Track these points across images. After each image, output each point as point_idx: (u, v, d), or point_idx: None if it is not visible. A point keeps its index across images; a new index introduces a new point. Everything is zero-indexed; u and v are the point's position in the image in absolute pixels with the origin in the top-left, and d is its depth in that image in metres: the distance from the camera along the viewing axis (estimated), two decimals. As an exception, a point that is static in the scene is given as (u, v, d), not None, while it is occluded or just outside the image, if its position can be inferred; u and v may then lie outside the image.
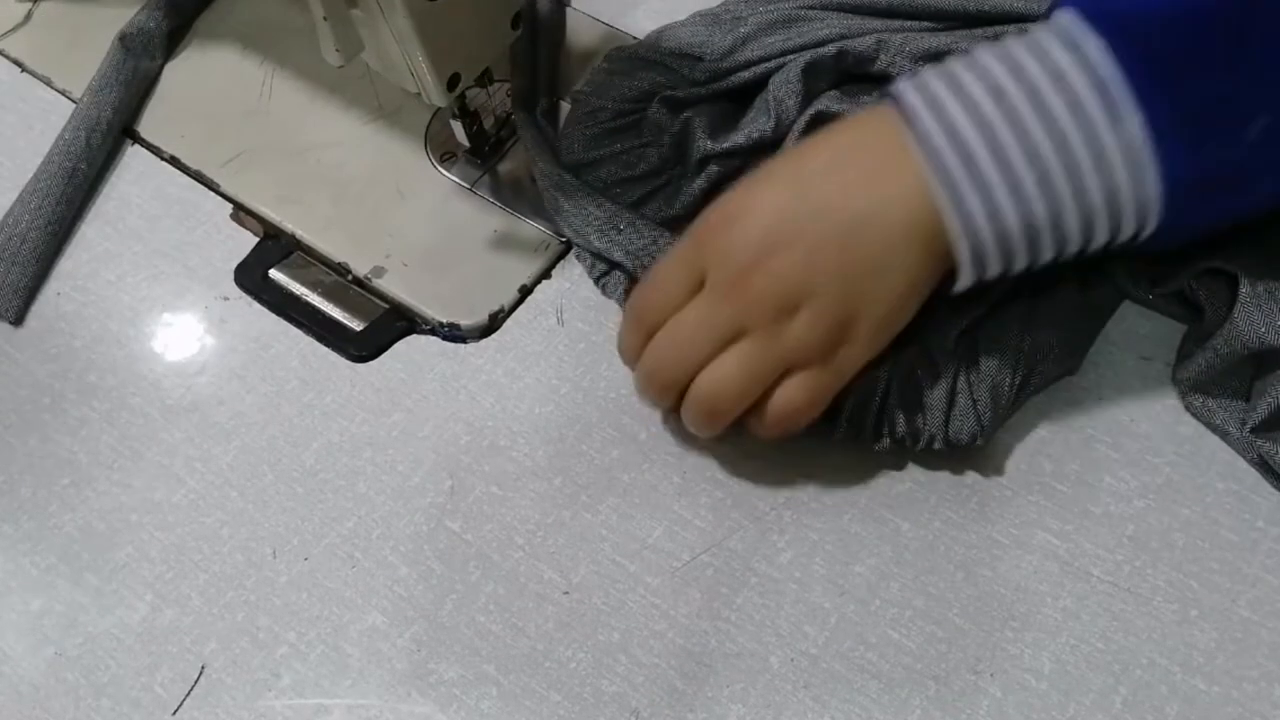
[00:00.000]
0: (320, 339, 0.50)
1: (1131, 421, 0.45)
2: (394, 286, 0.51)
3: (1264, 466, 0.43)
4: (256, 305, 0.51)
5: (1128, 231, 0.38)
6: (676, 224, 0.48)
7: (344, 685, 0.42)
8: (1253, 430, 0.43)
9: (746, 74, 0.51)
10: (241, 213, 0.54)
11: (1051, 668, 0.41)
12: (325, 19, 0.42)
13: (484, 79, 0.49)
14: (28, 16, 0.62)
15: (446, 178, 0.54)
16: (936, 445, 0.43)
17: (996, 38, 0.41)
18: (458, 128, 0.51)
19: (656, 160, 0.50)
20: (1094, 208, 0.36)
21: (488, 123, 0.53)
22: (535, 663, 0.42)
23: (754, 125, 0.49)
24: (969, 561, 0.43)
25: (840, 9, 0.52)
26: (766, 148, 0.49)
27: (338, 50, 0.43)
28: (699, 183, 0.49)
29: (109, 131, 0.56)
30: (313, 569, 0.45)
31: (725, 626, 0.42)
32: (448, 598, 0.44)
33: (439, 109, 0.48)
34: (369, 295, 0.51)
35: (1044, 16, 0.38)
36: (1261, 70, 0.35)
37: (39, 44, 0.61)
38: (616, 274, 0.49)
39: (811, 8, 0.52)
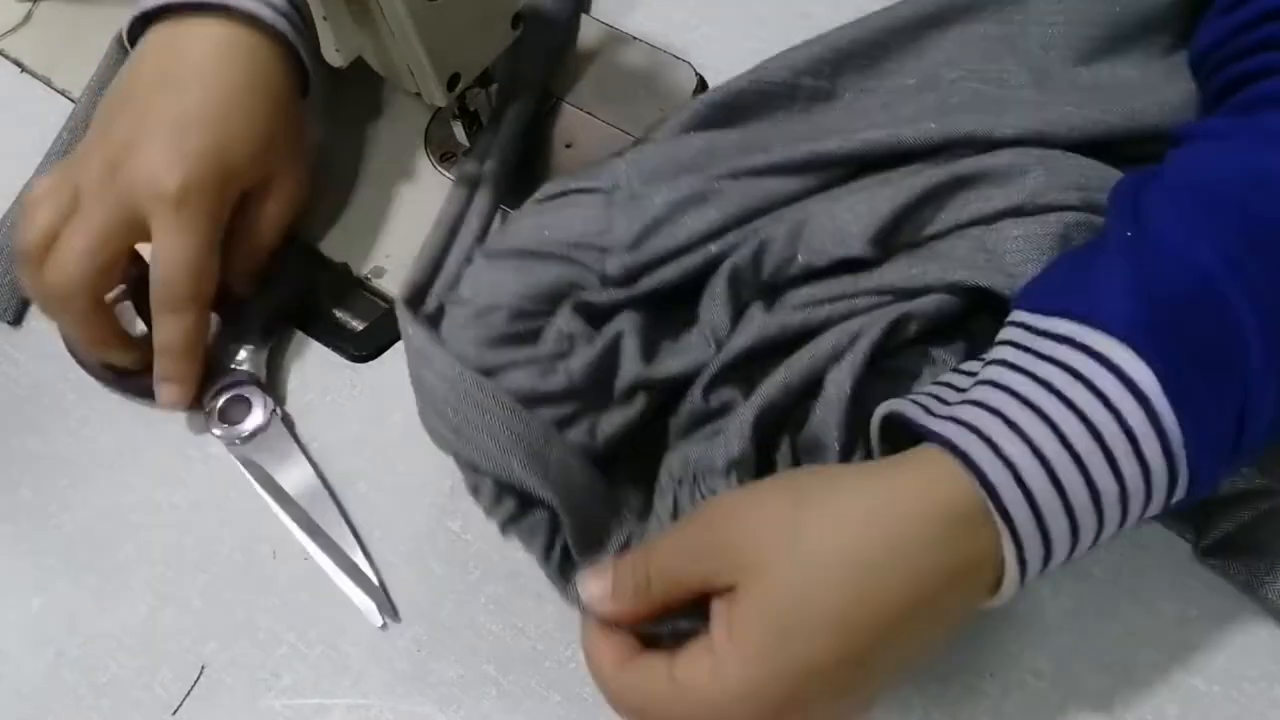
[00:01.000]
0: (320, 339, 0.50)
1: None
2: (394, 286, 0.51)
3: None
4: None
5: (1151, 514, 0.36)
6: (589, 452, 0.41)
7: (344, 685, 0.42)
8: (1204, 552, 0.42)
9: (668, 270, 0.43)
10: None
11: (1051, 668, 0.41)
12: (325, 19, 0.42)
13: (484, 79, 0.49)
14: (28, 16, 0.62)
15: (446, 178, 0.53)
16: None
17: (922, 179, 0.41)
18: (458, 128, 0.51)
19: (580, 379, 0.41)
20: (1132, 520, 0.35)
21: (487, 122, 0.53)
22: (535, 663, 0.42)
23: (691, 354, 0.42)
24: (969, 561, 0.43)
25: (750, 174, 0.45)
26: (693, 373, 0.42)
27: (337, 50, 0.43)
28: (631, 413, 0.41)
29: None
30: (313, 569, 0.45)
31: (725, 626, 0.42)
32: (448, 598, 0.44)
33: (439, 109, 0.48)
34: (369, 295, 0.51)
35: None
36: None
37: (39, 44, 0.61)
38: (538, 515, 0.40)
39: (721, 178, 0.45)
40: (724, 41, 0.53)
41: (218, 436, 0.47)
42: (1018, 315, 0.37)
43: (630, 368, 0.41)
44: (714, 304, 0.43)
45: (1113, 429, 0.33)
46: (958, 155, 0.45)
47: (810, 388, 0.41)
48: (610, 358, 0.41)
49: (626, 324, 0.42)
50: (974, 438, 0.33)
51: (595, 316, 0.43)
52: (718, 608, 0.34)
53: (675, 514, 0.40)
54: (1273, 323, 0.34)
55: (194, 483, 0.47)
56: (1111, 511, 0.33)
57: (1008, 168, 0.44)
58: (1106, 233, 0.38)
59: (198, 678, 0.43)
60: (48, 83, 0.60)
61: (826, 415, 0.39)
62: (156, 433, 0.48)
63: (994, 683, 0.41)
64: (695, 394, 0.42)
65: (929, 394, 0.37)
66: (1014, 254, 0.41)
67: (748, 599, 0.33)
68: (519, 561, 0.44)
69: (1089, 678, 0.40)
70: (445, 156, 0.54)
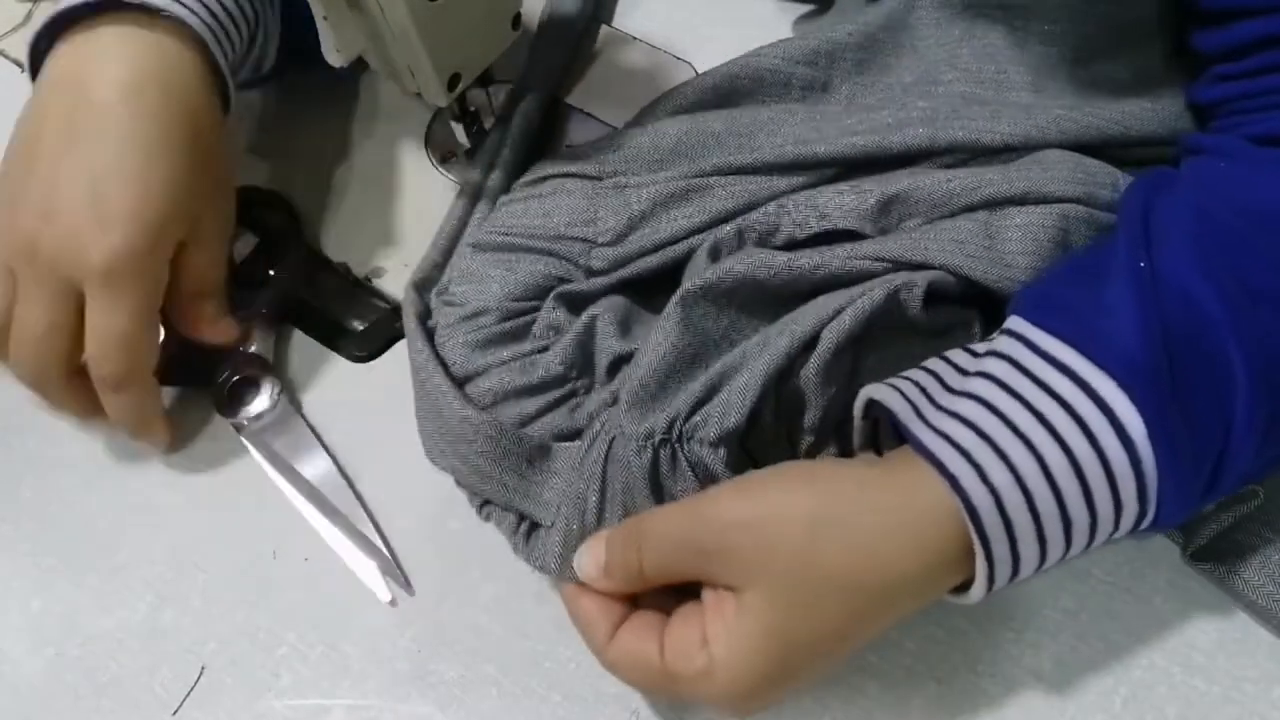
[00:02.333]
0: (320, 339, 0.50)
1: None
2: (394, 286, 0.51)
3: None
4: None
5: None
6: (576, 435, 0.41)
7: (344, 685, 0.42)
8: (1192, 556, 0.42)
9: (651, 260, 0.44)
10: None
11: (1051, 668, 0.41)
12: (325, 19, 0.42)
13: (484, 79, 0.49)
14: (28, 17, 0.62)
15: (447, 178, 0.53)
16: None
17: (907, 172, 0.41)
18: (458, 128, 0.51)
19: (560, 367, 0.42)
20: (1097, 544, 0.36)
21: (488, 123, 0.53)
22: (535, 663, 0.42)
23: None
24: (969, 561, 0.43)
25: (736, 171, 0.45)
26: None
27: (338, 50, 0.43)
28: (615, 385, 0.41)
29: None
30: (313, 569, 0.45)
31: (725, 626, 0.42)
32: (448, 598, 0.44)
33: (439, 109, 0.48)
34: (369, 295, 0.51)
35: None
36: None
37: (39, 44, 0.61)
38: (537, 529, 0.41)
39: (704, 174, 0.45)
40: (724, 41, 0.53)
41: (229, 419, 0.48)
42: (1019, 325, 0.36)
43: (610, 345, 0.42)
44: (696, 272, 0.43)
45: (1095, 467, 0.33)
46: (948, 163, 0.45)
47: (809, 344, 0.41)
48: (588, 339, 0.42)
49: (604, 306, 0.43)
50: (965, 464, 0.33)
51: (578, 305, 0.43)
52: (711, 598, 0.35)
53: (654, 472, 0.39)
54: (1261, 376, 0.34)
55: (194, 482, 0.47)
56: (1079, 538, 0.35)
57: (1009, 159, 0.44)
58: (1117, 250, 0.37)
59: (198, 678, 0.43)
60: (48, 83, 0.59)
61: (814, 374, 0.40)
62: (156, 433, 0.48)
63: (994, 683, 0.41)
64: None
65: (916, 384, 0.37)
66: (1013, 242, 0.41)
67: (751, 611, 0.34)
68: (519, 562, 0.44)
69: (1089, 678, 0.40)
70: (446, 157, 0.54)
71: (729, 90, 0.49)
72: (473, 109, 0.51)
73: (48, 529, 0.46)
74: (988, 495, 0.33)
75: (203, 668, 0.43)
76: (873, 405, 0.37)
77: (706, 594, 0.36)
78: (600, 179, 0.46)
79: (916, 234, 0.42)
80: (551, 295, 0.43)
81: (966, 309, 0.42)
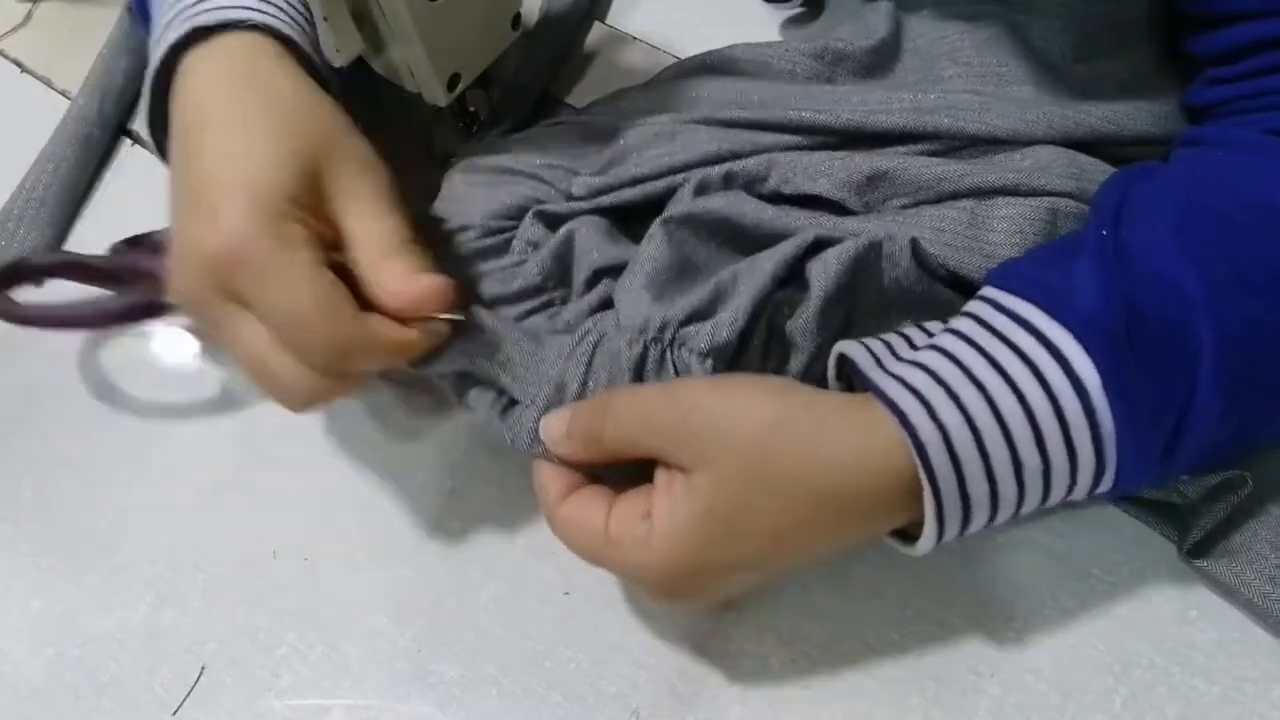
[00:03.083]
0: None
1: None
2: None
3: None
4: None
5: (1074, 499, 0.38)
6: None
7: (344, 685, 0.42)
8: (1188, 553, 0.42)
9: (631, 191, 0.45)
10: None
11: (1051, 668, 0.41)
12: (325, 19, 0.42)
13: (484, 79, 0.49)
14: (28, 17, 0.62)
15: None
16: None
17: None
18: (458, 128, 0.51)
19: (537, 276, 0.44)
20: (1056, 495, 0.37)
21: (488, 122, 0.53)
22: (535, 663, 0.42)
23: None
24: (969, 561, 0.43)
25: (723, 124, 0.46)
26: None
27: (338, 50, 0.43)
28: (593, 296, 0.43)
29: (122, 98, 0.57)
30: (313, 569, 0.45)
31: (725, 627, 0.42)
32: (448, 598, 0.44)
33: (439, 109, 0.48)
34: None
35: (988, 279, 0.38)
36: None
37: (39, 44, 0.61)
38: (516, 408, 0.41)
39: (694, 122, 0.47)
40: (722, 41, 0.53)
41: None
42: (989, 291, 0.38)
43: (589, 258, 0.43)
44: (680, 202, 0.44)
45: (1047, 412, 0.34)
46: (935, 150, 0.46)
47: (799, 277, 0.42)
48: (565, 252, 0.44)
49: (582, 223, 0.44)
50: (915, 402, 0.35)
51: (556, 224, 0.45)
52: (663, 478, 0.37)
53: (640, 367, 0.40)
54: (1228, 350, 0.35)
55: (194, 483, 0.47)
56: (1033, 484, 0.35)
57: (1003, 149, 0.45)
58: (1087, 234, 0.39)
59: (198, 678, 0.43)
60: (48, 83, 0.60)
61: (804, 323, 0.41)
62: (156, 433, 0.48)
63: (994, 683, 0.41)
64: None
65: (885, 343, 0.39)
66: (998, 233, 0.42)
67: (698, 491, 0.35)
68: (519, 561, 0.44)
69: (1089, 678, 0.40)
70: (446, 157, 0.54)
71: (729, 72, 0.50)
72: (472, 109, 0.51)
73: (48, 529, 0.47)
74: (935, 431, 0.34)
75: (203, 668, 0.43)
76: (845, 364, 0.39)
77: (659, 473, 0.37)
78: (592, 123, 0.48)
79: (899, 216, 0.43)
80: (530, 213, 0.45)
81: (959, 295, 0.42)
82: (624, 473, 0.38)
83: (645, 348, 0.40)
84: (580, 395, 0.40)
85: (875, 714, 0.40)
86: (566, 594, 0.43)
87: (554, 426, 0.39)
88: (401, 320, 0.38)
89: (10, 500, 0.47)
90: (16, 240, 0.53)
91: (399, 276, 0.38)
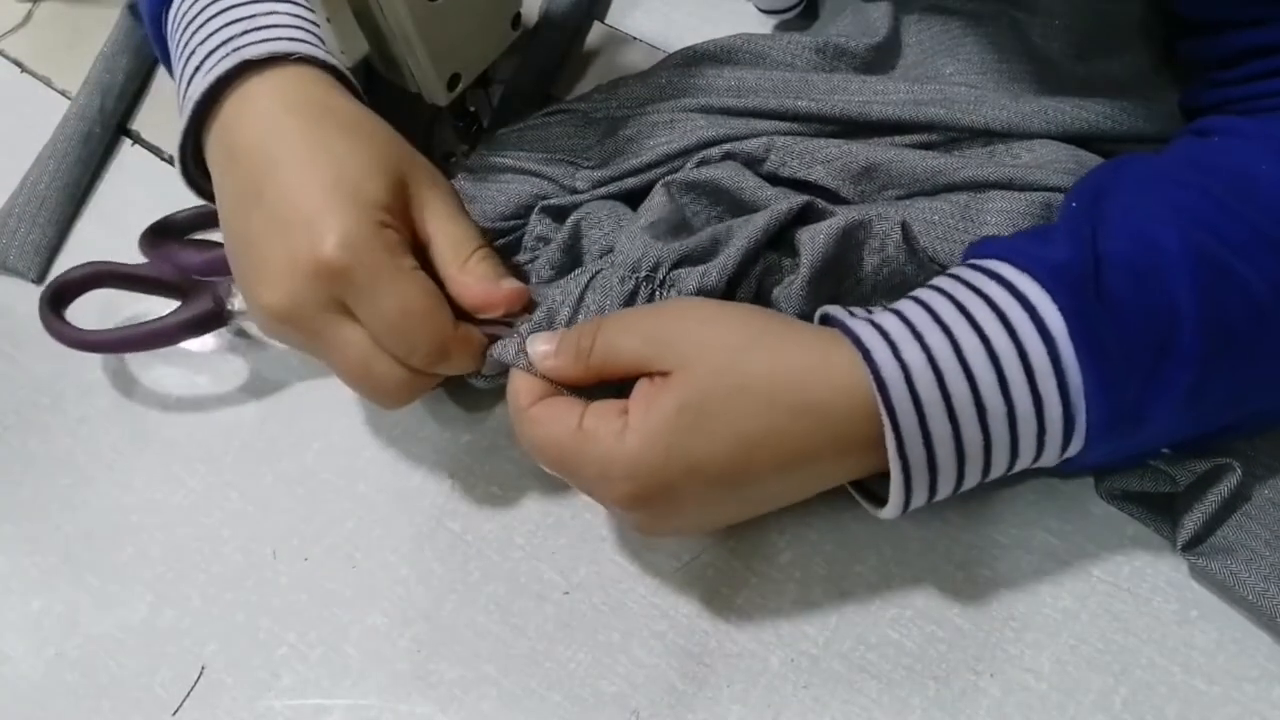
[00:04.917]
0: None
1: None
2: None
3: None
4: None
5: (1046, 463, 0.39)
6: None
7: (344, 685, 0.42)
8: (1182, 548, 0.42)
9: (634, 180, 0.46)
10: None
11: (1051, 668, 0.41)
12: (328, 20, 0.42)
13: (484, 79, 0.49)
14: (28, 17, 0.62)
15: (446, 178, 0.54)
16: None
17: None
18: (458, 128, 0.51)
19: (550, 272, 0.45)
20: (1025, 450, 0.37)
21: (487, 123, 0.53)
22: (535, 663, 0.42)
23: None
24: (969, 561, 0.43)
25: (722, 112, 0.47)
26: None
27: (343, 52, 0.43)
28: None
29: (123, 96, 0.57)
30: (313, 569, 0.45)
31: (725, 626, 0.42)
32: (448, 598, 0.44)
33: (439, 109, 0.48)
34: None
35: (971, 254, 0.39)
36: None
37: (39, 44, 0.61)
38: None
39: (691, 111, 0.48)
40: (724, 41, 0.53)
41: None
42: (970, 254, 0.39)
43: (598, 237, 0.44)
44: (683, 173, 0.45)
45: (1011, 355, 0.35)
46: (930, 141, 0.46)
47: (790, 244, 0.43)
48: (574, 243, 0.45)
49: (589, 209, 0.45)
50: (880, 340, 0.36)
51: (563, 216, 0.46)
52: (643, 385, 0.38)
53: (630, 303, 0.42)
54: (1210, 314, 0.35)
55: (194, 483, 0.47)
56: (998, 430, 0.36)
57: (1000, 144, 0.45)
58: (1063, 204, 0.40)
59: (198, 678, 0.43)
60: (48, 83, 0.60)
61: (792, 291, 0.42)
62: (156, 433, 0.48)
63: (994, 683, 0.41)
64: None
65: (866, 310, 0.40)
66: (990, 226, 0.42)
67: (673, 388, 0.36)
68: (519, 561, 0.44)
69: (1089, 678, 0.40)
70: (446, 157, 0.54)
71: (728, 61, 0.50)
72: (472, 109, 0.51)
73: (48, 529, 0.47)
74: (898, 369, 0.35)
75: (203, 668, 0.43)
76: (827, 324, 0.40)
77: (640, 382, 0.38)
78: (592, 112, 0.49)
79: (892, 207, 0.43)
80: (537, 209, 0.46)
81: None
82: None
83: (637, 284, 0.41)
84: (570, 323, 0.41)
85: (875, 714, 0.40)
86: (566, 594, 0.43)
87: (542, 342, 0.40)
88: (475, 321, 0.41)
89: (10, 500, 0.47)
90: (17, 238, 0.53)
91: (482, 279, 0.41)
